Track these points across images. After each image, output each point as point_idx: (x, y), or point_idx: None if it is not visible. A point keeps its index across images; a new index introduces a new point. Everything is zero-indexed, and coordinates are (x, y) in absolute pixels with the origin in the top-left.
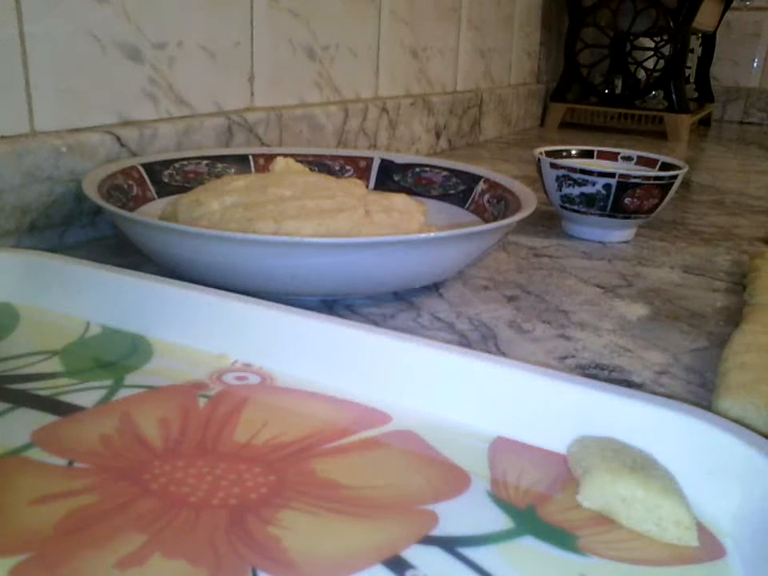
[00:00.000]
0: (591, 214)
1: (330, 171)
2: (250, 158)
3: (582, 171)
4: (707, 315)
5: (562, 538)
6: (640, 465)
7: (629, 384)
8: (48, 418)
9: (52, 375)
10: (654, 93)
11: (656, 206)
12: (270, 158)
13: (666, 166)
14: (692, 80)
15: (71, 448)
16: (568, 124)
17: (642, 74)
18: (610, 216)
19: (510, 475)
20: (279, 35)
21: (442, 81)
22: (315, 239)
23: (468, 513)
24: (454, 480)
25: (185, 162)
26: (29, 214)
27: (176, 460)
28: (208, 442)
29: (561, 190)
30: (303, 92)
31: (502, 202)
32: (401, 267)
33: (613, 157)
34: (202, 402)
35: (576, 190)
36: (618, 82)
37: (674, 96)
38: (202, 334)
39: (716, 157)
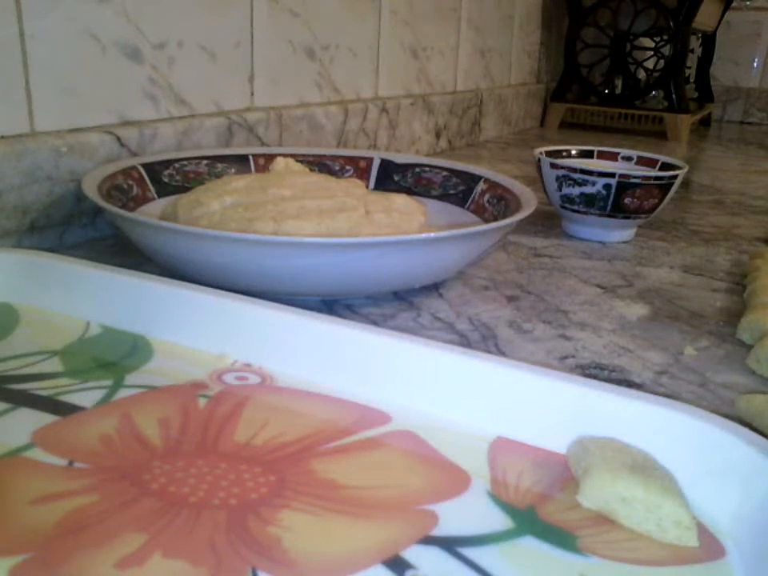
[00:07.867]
0: (591, 214)
1: (330, 171)
2: (250, 158)
3: (582, 171)
4: (707, 315)
5: (561, 538)
6: (640, 465)
7: (629, 384)
8: (48, 418)
9: (52, 375)
10: (654, 93)
11: (656, 206)
12: (270, 157)
13: (665, 166)
14: (692, 80)
15: (71, 448)
16: (568, 124)
17: (642, 74)
18: (610, 216)
19: (509, 475)
20: (279, 35)
21: (441, 81)
22: (315, 239)
23: (468, 513)
24: (453, 480)
25: (185, 162)
26: (29, 214)
27: (176, 460)
28: (208, 442)
29: (561, 190)
30: (303, 92)
31: (502, 202)
32: (401, 267)
33: (613, 157)
34: (201, 402)
35: (576, 190)
36: (618, 82)
37: (673, 96)
38: (202, 333)
39: (716, 157)
